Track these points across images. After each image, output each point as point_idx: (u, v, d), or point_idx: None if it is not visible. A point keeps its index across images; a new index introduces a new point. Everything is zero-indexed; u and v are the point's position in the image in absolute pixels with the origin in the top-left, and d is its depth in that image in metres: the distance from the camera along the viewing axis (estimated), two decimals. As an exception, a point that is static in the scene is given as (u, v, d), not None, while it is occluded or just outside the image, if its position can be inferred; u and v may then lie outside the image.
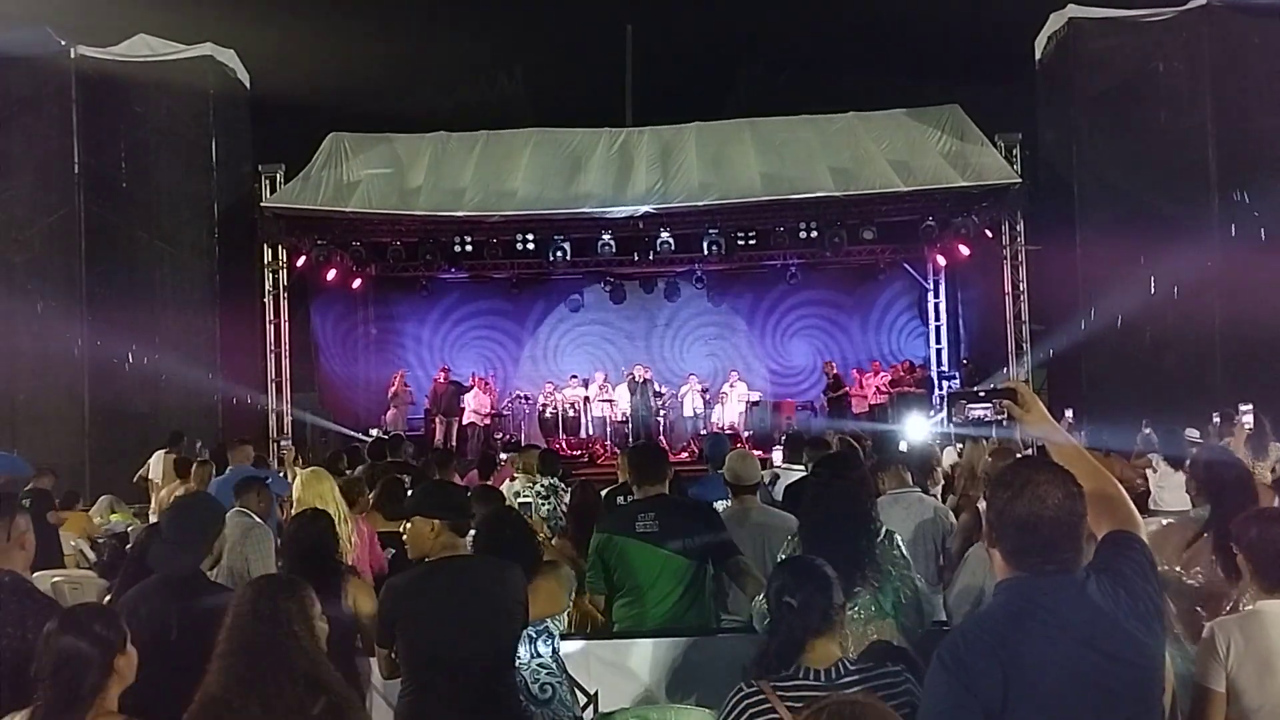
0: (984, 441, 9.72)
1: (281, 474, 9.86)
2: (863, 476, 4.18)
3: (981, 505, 5.93)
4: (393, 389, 17.97)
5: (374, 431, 16.01)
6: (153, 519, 8.85)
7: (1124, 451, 9.07)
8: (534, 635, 4.00)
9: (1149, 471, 8.01)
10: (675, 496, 5.19)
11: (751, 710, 2.68)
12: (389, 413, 17.71)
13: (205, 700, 2.62)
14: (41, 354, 13.70)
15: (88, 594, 7.34)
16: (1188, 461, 5.49)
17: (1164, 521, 4.66)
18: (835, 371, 18.53)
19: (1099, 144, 13.85)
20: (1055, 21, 14.42)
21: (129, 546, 4.51)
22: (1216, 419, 8.92)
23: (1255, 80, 13.36)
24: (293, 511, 5.70)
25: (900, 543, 4.10)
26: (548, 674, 4.01)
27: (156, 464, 11.23)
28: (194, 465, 9.30)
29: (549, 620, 4.08)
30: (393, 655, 3.66)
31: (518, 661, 3.92)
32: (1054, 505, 2.25)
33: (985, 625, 2.29)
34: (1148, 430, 9.73)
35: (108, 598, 4.66)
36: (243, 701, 2.57)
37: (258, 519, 5.85)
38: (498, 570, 3.75)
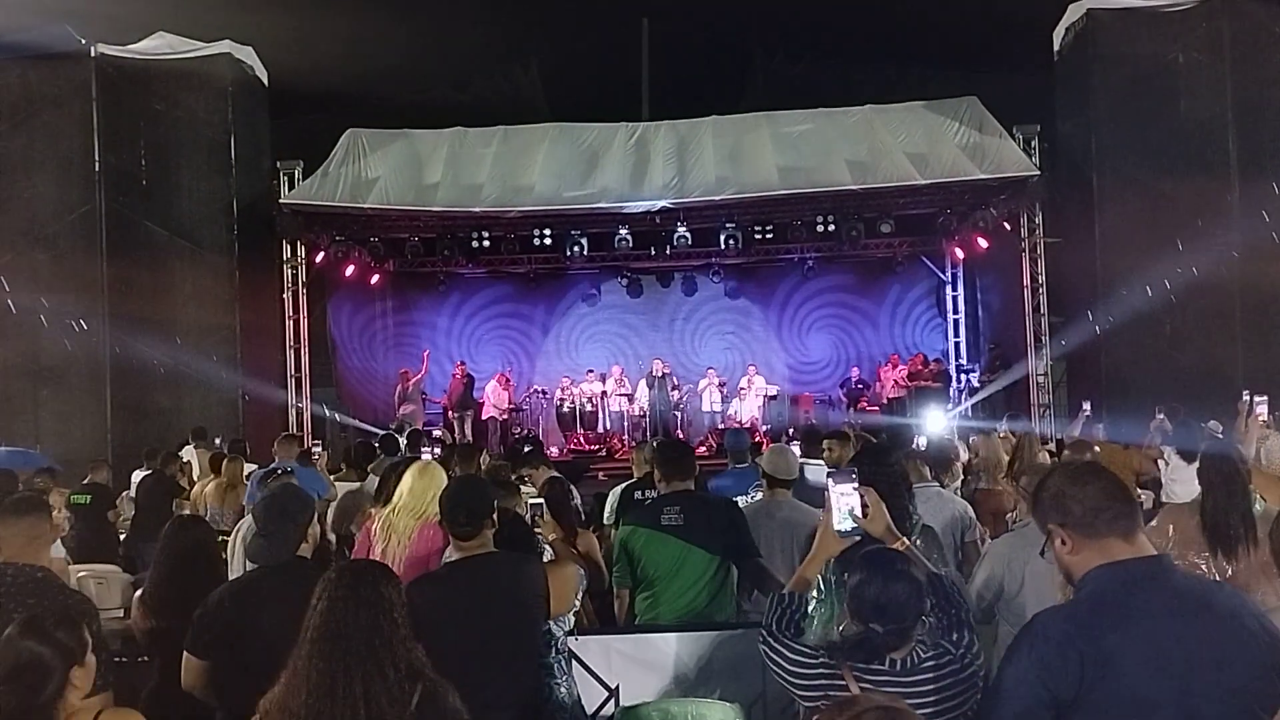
0: (996, 435, 9.72)
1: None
2: (903, 469, 4.18)
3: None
4: (418, 375, 17.97)
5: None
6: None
7: (1140, 443, 9.02)
8: None
9: (1160, 463, 7.95)
10: (701, 492, 5.22)
11: (826, 681, 2.78)
12: (408, 408, 17.60)
13: (300, 687, 2.52)
14: (64, 350, 13.82)
15: (112, 587, 7.43)
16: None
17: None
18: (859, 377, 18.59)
19: (1118, 135, 13.74)
20: (1074, 13, 14.32)
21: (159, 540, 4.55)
22: (1247, 402, 8.81)
23: (1276, 70, 13.25)
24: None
25: (937, 535, 4.10)
26: (545, 673, 4.02)
27: (190, 458, 11.35)
28: (224, 461, 9.41)
29: (551, 623, 4.05)
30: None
31: None
32: None
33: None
34: (1161, 416, 9.63)
35: (137, 593, 4.72)
36: (346, 689, 2.48)
37: None
38: (516, 565, 3.80)
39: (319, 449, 12.93)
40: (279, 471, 7.43)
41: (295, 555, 3.82)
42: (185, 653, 3.66)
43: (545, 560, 4.34)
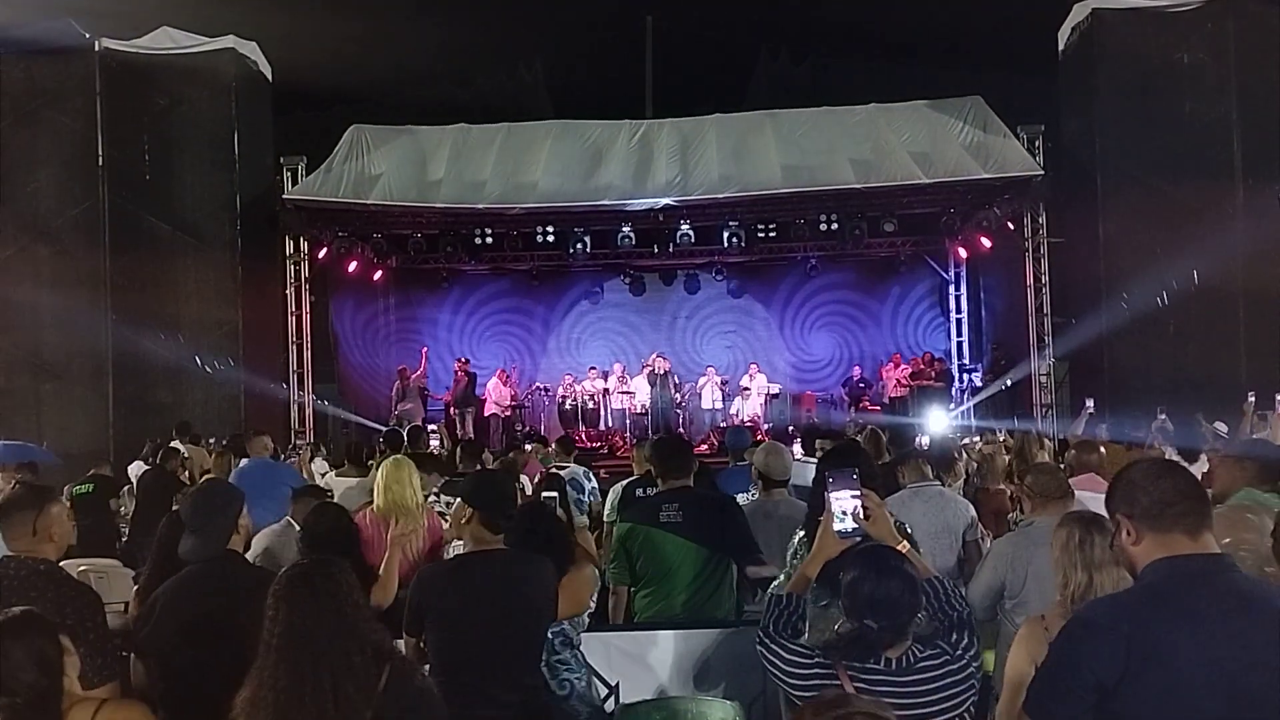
0: (998, 435, 9.72)
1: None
2: (871, 468, 4.16)
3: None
4: (416, 373, 17.92)
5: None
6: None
7: (1139, 443, 9.01)
8: (550, 638, 4.00)
9: (1160, 462, 7.91)
10: (699, 489, 5.20)
11: (821, 679, 2.80)
12: (406, 405, 17.40)
13: (267, 693, 2.51)
14: (66, 345, 13.86)
15: (113, 582, 7.40)
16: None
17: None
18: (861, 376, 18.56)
19: (1122, 135, 13.72)
20: (1079, 12, 14.29)
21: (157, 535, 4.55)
22: (1251, 402, 8.75)
23: (1281, 70, 13.25)
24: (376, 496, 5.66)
25: (909, 532, 4.09)
26: (566, 669, 4.05)
27: (190, 453, 11.33)
28: (213, 455, 9.39)
29: (565, 623, 4.06)
30: (420, 644, 3.69)
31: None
32: None
33: None
34: (1163, 416, 9.61)
35: (135, 588, 4.71)
36: (316, 687, 2.48)
37: None
38: (527, 564, 3.77)
39: (304, 443, 12.96)
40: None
41: (226, 549, 3.74)
42: (131, 654, 3.66)
43: None
